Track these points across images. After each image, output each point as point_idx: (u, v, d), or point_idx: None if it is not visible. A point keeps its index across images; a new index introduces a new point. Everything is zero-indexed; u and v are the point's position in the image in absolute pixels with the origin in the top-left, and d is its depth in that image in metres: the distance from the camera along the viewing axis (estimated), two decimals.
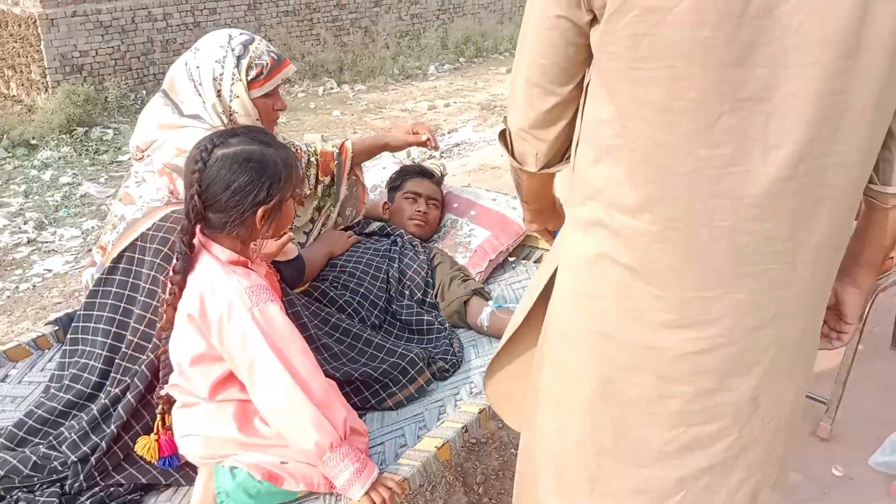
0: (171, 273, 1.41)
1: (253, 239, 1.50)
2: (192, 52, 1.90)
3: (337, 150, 2.29)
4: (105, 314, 1.60)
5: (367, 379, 1.70)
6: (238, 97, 1.84)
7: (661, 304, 1.13)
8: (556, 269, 1.30)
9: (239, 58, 1.84)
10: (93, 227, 6.43)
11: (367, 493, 1.37)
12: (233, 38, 1.86)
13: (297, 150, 2.20)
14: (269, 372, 1.36)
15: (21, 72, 10.05)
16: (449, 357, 1.81)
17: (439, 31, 13.69)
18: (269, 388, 1.36)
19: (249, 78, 1.84)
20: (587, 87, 1.17)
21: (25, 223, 6.58)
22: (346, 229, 2.27)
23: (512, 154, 1.31)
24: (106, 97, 9.74)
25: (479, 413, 1.57)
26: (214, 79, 1.83)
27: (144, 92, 10.18)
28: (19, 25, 9.70)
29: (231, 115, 1.85)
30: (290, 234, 1.83)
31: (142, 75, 10.40)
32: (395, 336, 1.88)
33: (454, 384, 1.76)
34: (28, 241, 6.18)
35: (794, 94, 1.00)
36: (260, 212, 1.46)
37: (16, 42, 9.86)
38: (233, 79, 1.83)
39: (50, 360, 1.80)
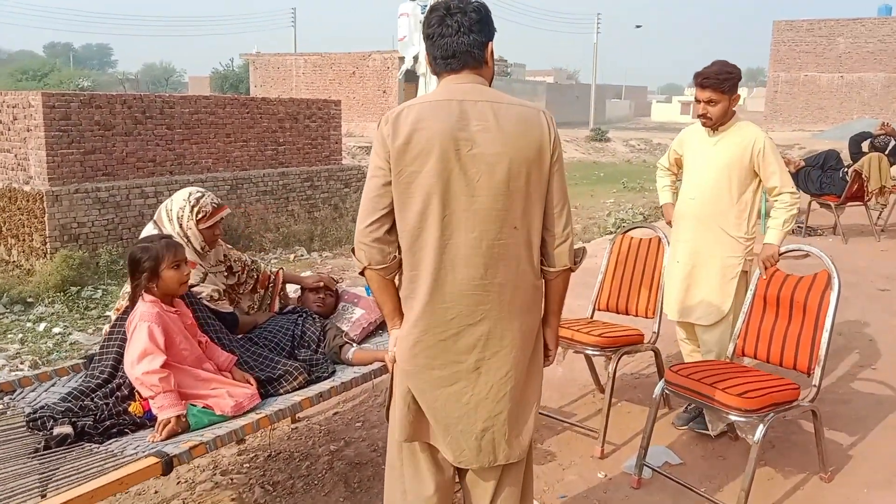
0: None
1: (151, 290, 2.62)
2: (169, 200, 3.17)
3: (273, 276, 3.60)
4: (114, 348, 2.71)
5: (268, 377, 2.84)
6: (190, 229, 3.09)
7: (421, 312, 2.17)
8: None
9: (192, 207, 3.10)
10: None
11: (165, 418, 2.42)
12: (191, 194, 3.14)
13: (243, 263, 3.41)
14: (131, 345, 2.52)
15: (23, 240, 11.26)
16: (325, 372, 3.02)
17: None
18: (131, 347, 2.52)
19: (197, 218, 3.10)
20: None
21: (22, 363, 7.51)
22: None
23: (355, 257, 2.17)
24: (98, 262, 10.87)
25: (301, 401, 2.73)
26: (178, 217, 3.09)
27: None
28: (27, 200, 11.04)
29: (188, 238, 3.07)
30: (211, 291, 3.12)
31: (131, 244, 11.68)
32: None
33: (323, 384, 2.93)
34: None
35: (480, 209, 2.05)
36: (144, 275, 2.62)
37: (23, 215, 11.16)
38: (188, 219, 3.08)
39: (78, 378, 2.97)
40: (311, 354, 3.07)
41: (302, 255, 12.56)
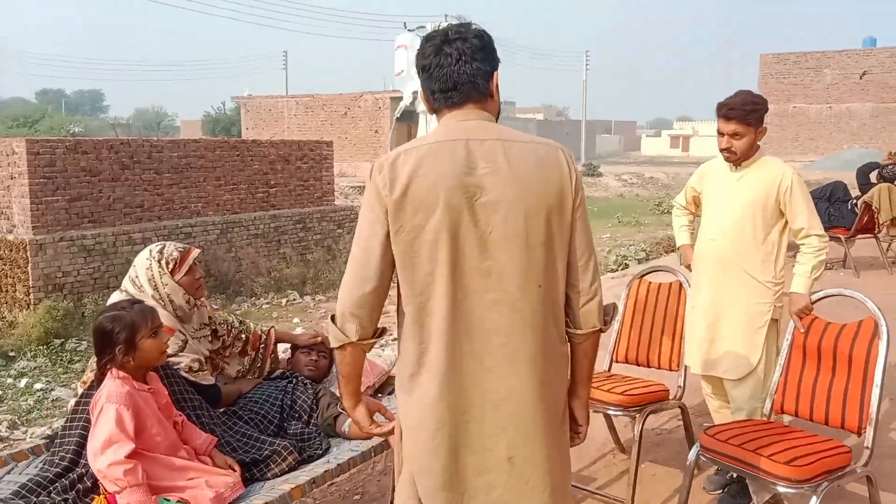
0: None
1: (124, 365, 2.28)
2: (131, 269, 2.84)
3: (264, 336, 3.25)
4: (78, 430, 2.38)
5: (253, 459, 2.50)
6: (167, 284, 2.76)
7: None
8: None
9: (159, 261, 2.77)
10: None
11: None
12: (151, 251, 2.83)
13: (229, 326, 3.09)
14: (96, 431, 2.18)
15: (6, 291, 10.88)
16: (319, 448, 2.67)
17: None
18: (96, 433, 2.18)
19: (170, 270, 2.76)
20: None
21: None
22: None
23: (339, 329, 1.79)
24: (83, 312, 10.49)
25: (291, 490, 2.36)
26: (149, 279, 2.75)
27: None
28: (10, 250, 10.69)
29: (169, 298, 2.74)
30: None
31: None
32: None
33: (316, 466, 2.59)
34: (0, 440, 6.66)
35: (494, 266, 1.75)
36: (119, 348, 2.28)
37: (5, 265, 10.80)
38: (161, 275, 2.75)
39: (38, 462, 2.60)
40: (302, 427, 2.73)
41: (294, 300, 12.20)
